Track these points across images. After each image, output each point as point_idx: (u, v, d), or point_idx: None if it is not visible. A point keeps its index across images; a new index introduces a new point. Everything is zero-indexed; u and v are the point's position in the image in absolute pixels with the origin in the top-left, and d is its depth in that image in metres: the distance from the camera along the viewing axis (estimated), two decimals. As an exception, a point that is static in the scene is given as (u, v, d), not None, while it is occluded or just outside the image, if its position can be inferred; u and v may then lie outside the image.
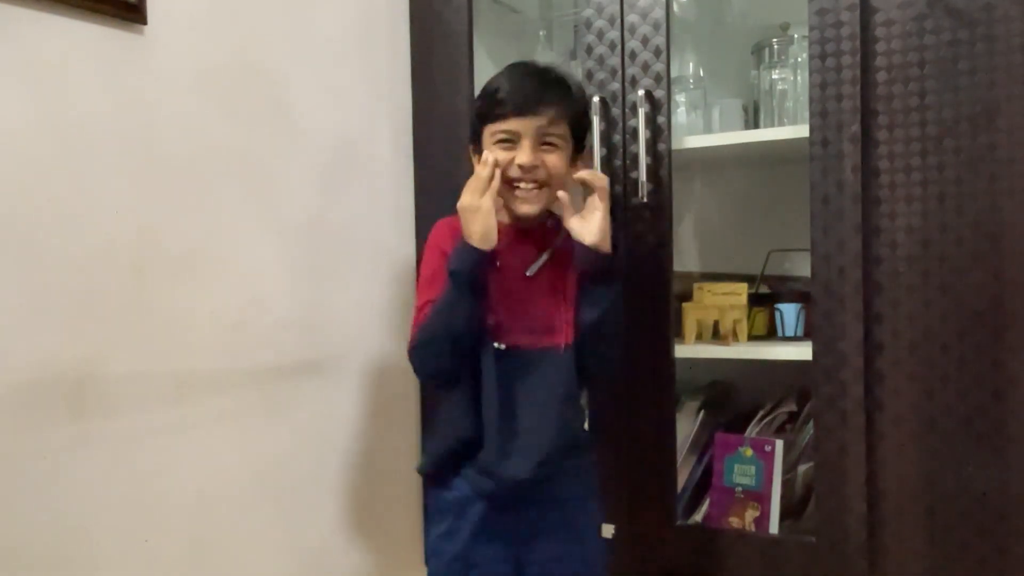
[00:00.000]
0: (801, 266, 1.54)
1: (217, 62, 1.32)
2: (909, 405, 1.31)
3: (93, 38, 1.15)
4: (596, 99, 1.50)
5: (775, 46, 1.61)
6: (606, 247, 1.27)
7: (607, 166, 1.51)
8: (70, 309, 1.11)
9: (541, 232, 1.35)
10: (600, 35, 1.52)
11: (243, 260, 1.37)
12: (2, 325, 1.04)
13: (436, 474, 1.34)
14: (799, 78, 1.55)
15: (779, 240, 1.65)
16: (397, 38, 1.70)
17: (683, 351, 1.52)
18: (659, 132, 1.47)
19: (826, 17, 1.34)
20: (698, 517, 1.56)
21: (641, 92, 1.46)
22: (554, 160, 1.28)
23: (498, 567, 1.30)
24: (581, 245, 1.27)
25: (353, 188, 1.58)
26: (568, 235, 1.31)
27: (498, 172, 1.25)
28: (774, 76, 1.60)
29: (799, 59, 1.55)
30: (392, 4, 1.69)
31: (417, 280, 1.35)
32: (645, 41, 1.48)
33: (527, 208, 1.29)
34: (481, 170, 1.24)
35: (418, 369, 1.32)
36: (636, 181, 1.48)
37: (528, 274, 1.32)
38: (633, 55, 1.49)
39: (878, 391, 1.33)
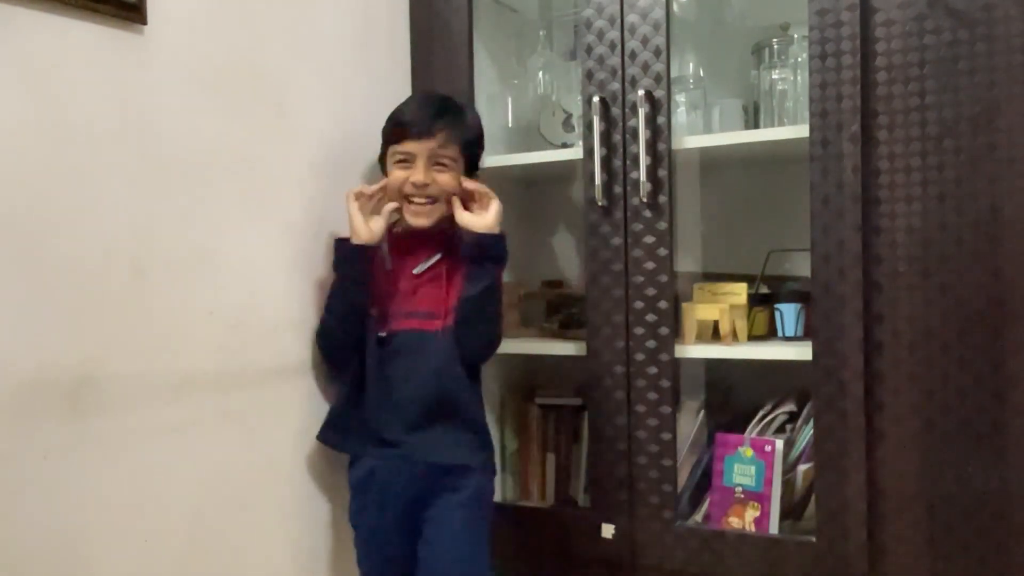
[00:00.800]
0: (801, 266, 1.53)
1: (217, 62, 1.32)
2: (909, 405, 1.31)
3: (93, 38, 1.14)
4: (596, 99, 1.50)
5: (775, 46, 1.61)
6: (496, 229, 1.45)
7: (607, 166, 1.51)
8: (69, 309, 1.11)
9: (437, 236, 1.50)
10: (600, 35, 1.52)
11: (242, 260, 1.37)
12: (2, 325, 1.04)
13: (329, 439, 1.49)
14: (799, 78, 1.55)
15: (779, 240, 1.65)
16: (397, 38, 1.70)
17: (683, 351, 1.52)
18: (659, 132, 1.47)
19: (826, 17, 1.34)
20: (698, 517, 1.56)
21: (641, 92, 1.46)
22: (445, 179, 1.45)
23: (401, 535, 1.44)
24: (470, 233, 1.44)
25: (351, 187, 1.58)
26: (459, 237, 1.50)
27: (385, 191, 1.45)
28: (774, 76, 1.60)
29: (799, 59, 1.55)
30: (392, 4, 1.69)
31: None
32: (645, 41, 1.48)
33: (420, 221, 1.46)
34: (365, 188, 1.45)
35: (321, 351, 1.51)
36: (636, 181, 1.48)
37: (415, 272, 1.49)
38: (633, 55, 1.49)
39: (878, 391, 1.33)
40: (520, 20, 1.95)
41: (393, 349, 1.45)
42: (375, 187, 1.46)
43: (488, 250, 1.44)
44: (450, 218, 1.47)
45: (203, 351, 1.30)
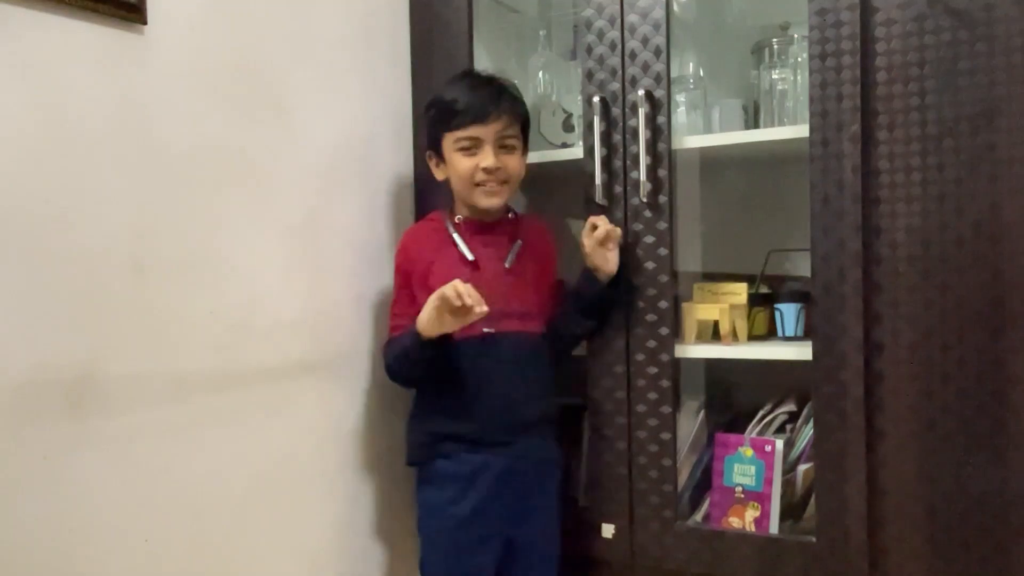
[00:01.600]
0: (801, 266, 1.54)
1: (217, 62, 1.32)
2: (909, 405, 1.31)
3: (93, 38, 1.15)
4: (596, 99, 1.50)
5: (775, 46, 1.61)
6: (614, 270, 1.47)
7: (607, 166, 1.51)
8: (70, 309, 1.11)
9: (505, 225, 1.51)
10: (600, 35, 1.52)
11: (242, 259, 1.37)
12: (2, 325, 1.04)
13: (425, 458, 1.48)
14: (799, 78, 1.55)
15: (779, 240, 1.65)
16: (397, 38, 1.70)
17: (683, 351, 1.52)
18: (659, 132, 1.47)
19: (826, 17, 1.34)
20: (698, 517, 1.56)
21: (641, 92, 1.46)
22: (513, 161, 1.44)
23: (503, 521, 1.45)
24: (594, 274, 1.48)
25: (352, 188, 1.58)
26: (531, 224, 1.54)
27: (465, 294, 1.33)
28: (774, 76, 1.59)
29: (799, 59, 1.55)
30: (392, 4, 1.69)
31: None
32: (645, 41, 1.48)
33: (492, 201, 1.44)
34: (452, 295, 1.32)
35: (394, 381, 1.52)
36: (636, 181, 1.48)
37: (507, 266, 1.48)
38: (633, 55, 1.49)
39: (878, 391, 1.33)
40: (520, 20, 1.95)
41: (496, 349, 1.44)
42: (474, 299, 1.32)
43: (614, 302, 1.49)
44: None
45: (203, 351, 1.30)
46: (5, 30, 1.05)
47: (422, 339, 1.39)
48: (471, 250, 1.47)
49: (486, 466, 1.44)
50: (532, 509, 1.48)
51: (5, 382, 1.04)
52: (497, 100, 1.41)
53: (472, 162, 1.42)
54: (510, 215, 1.54)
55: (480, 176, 1.42)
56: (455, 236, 1.48)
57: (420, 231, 1.53)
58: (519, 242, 1.50)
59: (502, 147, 1.42)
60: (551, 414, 1.52)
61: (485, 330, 1.43)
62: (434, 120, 1.46)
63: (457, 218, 1.50)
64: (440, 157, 1.47)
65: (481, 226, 1.49)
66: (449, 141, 1.44)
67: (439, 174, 1.50)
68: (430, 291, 1.38)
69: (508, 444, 1.44)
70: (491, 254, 1.48)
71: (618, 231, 1.47)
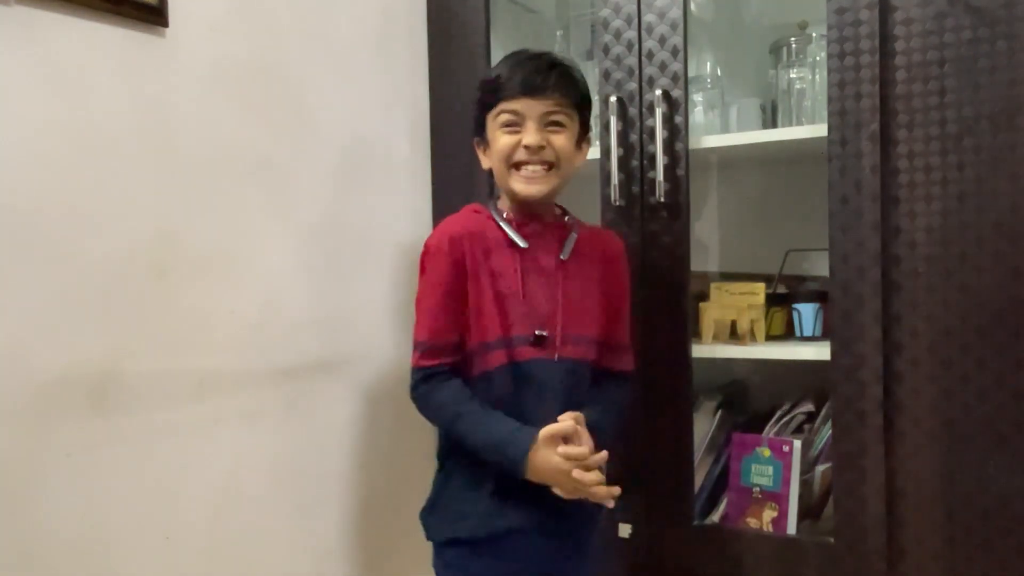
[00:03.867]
0: (819, 266, 1.53)
1: (237, 63, 1.34)
2: (928, 406, 1.30)
3: (114, 40, 1.16)
4: (613, 99, 1.50)
5: (793, 45, 1.61)
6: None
7: (624, 166, 1.51)
8: (92, 309, 1.13)
9: (558, 228, 1.33)
10: (617, 35, 1.52)
11: (262, 260, 1.38)
12: (26, 325, 1.05)
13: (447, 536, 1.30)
14: (817, 77, 1.55)
15: (797, 240, 1.65)
16: (414, 38, 1.70)
17: (700, 351, 1.51)
18: (676, 132, 1.47)
19: (845, 16, 1.33)
20: (715, 517, 1.55)
21: (658, 92, 1.46)
22: (561, 141, 1.25)
23: None
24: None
25: (370, 188, 1.59)
26: (599, 233, 1.38)
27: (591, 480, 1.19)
28: (792, 75, 1.59)
29: (817, 58, 1.54)
30: (410, 4, 1.69)
31: (421, 275, 1.30)
32: (662, 41, 1.48)
33: (532, 188, 1.25)
34: (583, 479, 1.17)
35: (420, 411, 1.31)
36: (653, 181, 1.48)
37: (562, 257, 1.29)
38: (650, 55, 1.49)
39: (897, 391, 1.32)
40: (537, 20, 1.96)
41: (549, 377, 1.27)
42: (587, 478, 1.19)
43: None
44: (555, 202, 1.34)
45: (225, 350, 1.31)
46: (29, 33, 1.06)
47: (522, 471, 1.20)
48: (529, 256, 1.28)
49: (521, 533, 1.26)
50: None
51: (30, 381, 1.06)
52: (547, 73, 1.25)
53: (514, 139, 1.25)
54: (566, 218, 1.36)
55: (520, 154, 1.25)
56: (503, 225, 1.29)
57: (466, 218, 1.32)
58: (574, 235, 1.32)
59: (549, 125, 1.25)
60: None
61: (538, 332, 1.26)
62: (480, 100, 1.31)
63: (505, 213, 1.31)
64: (486, 142, 1.31)
65: (530, 219, 1.31)
66: (492, 119, 1.27)
67: (485, 162, 1.33)
68: (486, 287, 1.25)
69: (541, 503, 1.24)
70: (543, 251, 1.29)
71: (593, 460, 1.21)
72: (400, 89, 1.66)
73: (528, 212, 1.30)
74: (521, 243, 1.27)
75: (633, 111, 1.51)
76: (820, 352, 1.40)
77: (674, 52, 1.47)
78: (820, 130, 1.38)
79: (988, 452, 1.27)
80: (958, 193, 1.28)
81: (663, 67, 1.48)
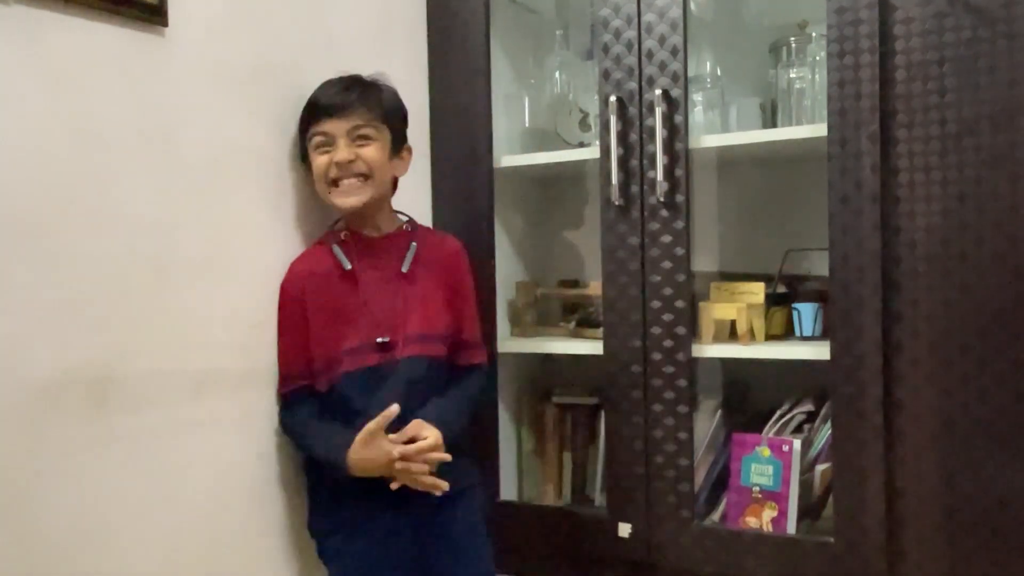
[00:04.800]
0: (819, 265, 1.53)
1: (237, 63, 1.34)
2: (928, 406, 1.30)
3: (115, 39, 1.16)
4: (613, 98, 1.50)
5: (793, 44, 1.61)
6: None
7: (624, 166, 1.51)
8: (92, 308, 1.13)
9: (400, 239, 1.44)
10: (617, 34, 1.52)
11: (262, 260, 1.38)
12: (26, 324, 1.05)
13: (321, 523, 1.42)
14: (817, 77, 1.55)
15: (797, 239, 1.65)
16: (414, 38, 1.70)
17: (700, 350, 1.51)
18: (676, 131, 1.47)
19: (844, 15, 1.33)
20: (715, 517, 1.55)
21: (658, 91, 1.46)
22: (370, 152, 1.36)
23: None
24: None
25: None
26: (439, 239, 1.49)
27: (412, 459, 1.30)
28: (792, 75, 1.59)
29: (817, 57, 1.54)
30: (409, 4, 1.69)
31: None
32: (662, 40, 1.48)
33: (350, 200, 1.36)
34: (393, 451, 1.28)
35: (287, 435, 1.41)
36: (653, 180, 1.48)
37: (404, 270, 1.40)
38: (650, 54, 1.49)
39: (897, 391, 1.32)
40: (537, 20, 1.96)
41: (394, 376, 1.37)
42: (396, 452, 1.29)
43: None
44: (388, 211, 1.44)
45: (224, 350, 1.31)
46: (29, 33, 1.06)
47: (345, 471, 1.30)
48: (352, 261, 1.38)
49: (394, 531, 1.36)
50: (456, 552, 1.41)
51: (30, 381, 1.06)
52: (349, 94, 1.36)
53: (327, 158, 1.36)
54: (405, 226, 1.46)
55: (334, 172, 1.35)
56: (336, 250, 1.39)
57: (305, 258, 1.41)
58: (414, 244, 1.42)
59: (357, 139, 1.36)
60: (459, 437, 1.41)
61: (379, 340, 1.36)
62: (299, 125, 1.41)
63: (343, 234, 1.41)
64: (308, 165, 1.41)
65: (369, 242, 1.41)
66: (309, 142, 1.38)
67: (317, 186, 1.41)
68: (327, 310, 1.36)
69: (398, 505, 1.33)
70: (380, 265, 1.40)
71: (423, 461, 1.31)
72: (400, 89, 1.65)
73: (362, 224, 1.42)
74: (346, 265, 1.38)
75: (633, 110, 1.51)
76: (820, 352, 1.40)
77: (674, 51, 1.47)
78: (820, 130, 1.38)
79: (988, 452, 1.27)
80: (958, 193, 1.28)
81: (663, 66, 1.48)
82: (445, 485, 1.31)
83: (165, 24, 1.21)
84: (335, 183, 1.36)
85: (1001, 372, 1.26)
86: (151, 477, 1.20)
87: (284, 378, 1.38)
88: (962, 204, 1.28)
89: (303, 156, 1.41)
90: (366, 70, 1.59)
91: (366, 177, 1.37)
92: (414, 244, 1.42)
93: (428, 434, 1.31)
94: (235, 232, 1.33)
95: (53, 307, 1.08)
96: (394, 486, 1.30)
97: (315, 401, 1.38)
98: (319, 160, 1.37)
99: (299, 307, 1.38)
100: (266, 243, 1.38)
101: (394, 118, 1.42)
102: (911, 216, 1.31)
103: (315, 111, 1.37)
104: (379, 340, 1.36)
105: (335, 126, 1.35)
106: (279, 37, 1.41)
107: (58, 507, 1.09)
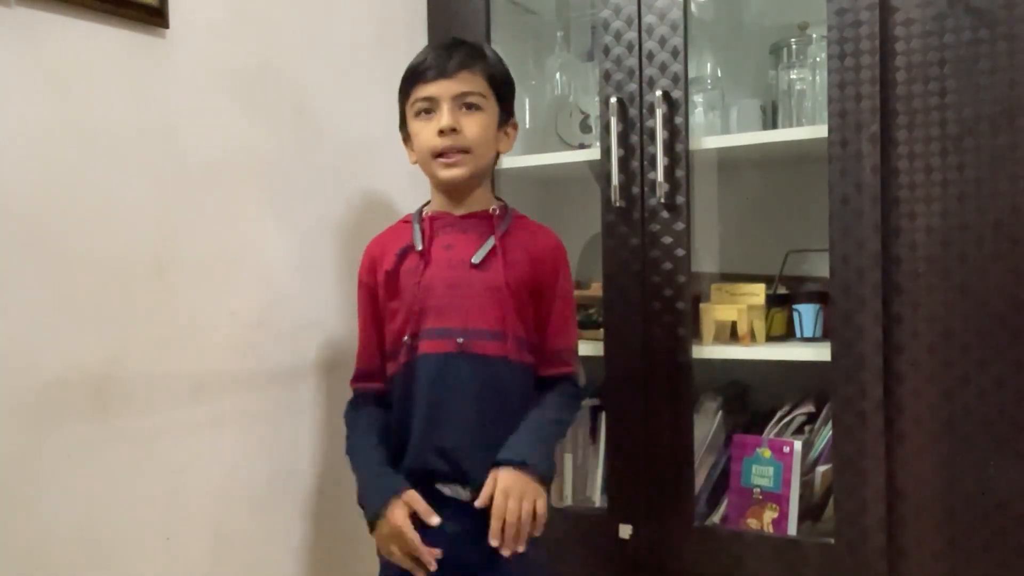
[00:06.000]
0: (819, 267, 1.53)
1: (237, 65, 1.34)
2: (929, 407, 1.30)
3: (115, 41, 1.16)
4: (614, 100, 1.50)
5: (793, 46, 1.61)
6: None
7: (624, 167, 1.51)
8: (93, 309, 1.13)
9: (485, 220, 1.30)
10: (617, 36, 1.52)
11: (263, 261, 1.38)
12: (28, 325, 1.06)
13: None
14: (817, 78, 1.55)
15: (797, 241, 1.65)
16: (415, 39, 1.70)
17: (701, 352, 1.51)
18: (677, 133, 1.47)
19: (845, 16, 1.33)
20: (716, 518, 1.55)
21: (659, 93, 1.46)
22: (476, 122, 1.25)
23: None
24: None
25: (371, 190, 1.59)
26: (531, 228, 1.32)
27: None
28: (792, 76, 1.59)
29: (817, 59, 1.54)
30: (410, 6, 1.69)
31: None
32: (663, 42, 1.48)
33: (453, 172, 1.25)
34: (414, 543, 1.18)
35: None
36: (654, 182, 1.48)
37: (474, 261, 1.25)
38: (651, 56, 1.49)
39: (897, 392, 1.32)
40: (537, 21, 1.96)
41: (454, 373, 1.23)
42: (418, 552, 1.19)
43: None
44: (485, 190, 1.31)
45: (225, 351, 1.31)
46: (29, 34, 1.06)
47: (368, 515, 1.23)
48: (427, 241, 1.27)
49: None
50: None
51: (31, 382, 1.06)
52: (456, 55, 1.24)
53: (430, 127, 1.24)
54: (493, 209, 1.31)
55: (436, 142, 1.23)
56: (415, 227, 1.29)
57: (385, 235, 1.34)
58: (493, 237, 1.27)
59: (464, 107, 1.24)
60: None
61: (440, 329, 1.23)
62: (399, 93, 1.31)
63: (426, 211, 1.32)
64: (409, 136, 1.31)
65: (451, 221, 1.29)
66: (409, 109, 1.28)
67: (411, 156, 1.33)
68: (396, 293, 1.26)
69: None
70: (457, 247, 1.26)
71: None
72: (400, 90, 1.66)
73: (455, 203, 1.30)
74: (418, 245, 1.27)
75: (633, 112, 1.51)
76: (820, 353, 1.40)
77: (674, 53, 1.47)
78: (820, 131, 1.38)
79: (988, 453, 1.27)
80: (958, 194, 1.28)
81: (663, 68, 1.48)
82: None
83: (166, 26, 1.21)
84: (441, 155, 1.25)
85: (1001, 372, 1.26)
86: (152, 478, 1.20)
87: (356, 373, 1.34)
88: (962, 205, 1.28)
89: (403, 126, 1.32)
90: (366, 71, 1.60)
91: (467, 152, 1.25)
92: (492, 238, 1.27)
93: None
94: (235, 232, 1.33)
95: (53, 307, 1.08)
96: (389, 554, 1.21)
97: (378, 412, 1.30)
98: (421, 130, 1.25)
99: (368, 292, 1.31)
100: (266, 244, 1.39)
101: (502, 87, 1.30)
102: (911, 217, 1.31)
103: (416, 74, 1.26)
104: (436, 329, 1.24)
105: (440, 88, 1.23)
106: (279, 39, 1.41)
107: (58, 508, 1.09)
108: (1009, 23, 1.24)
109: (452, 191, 1.29)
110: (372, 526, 1.23)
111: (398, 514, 1.19)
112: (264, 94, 1.38)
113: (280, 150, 1.41)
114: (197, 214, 1.27)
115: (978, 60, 1.26)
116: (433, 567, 1.19)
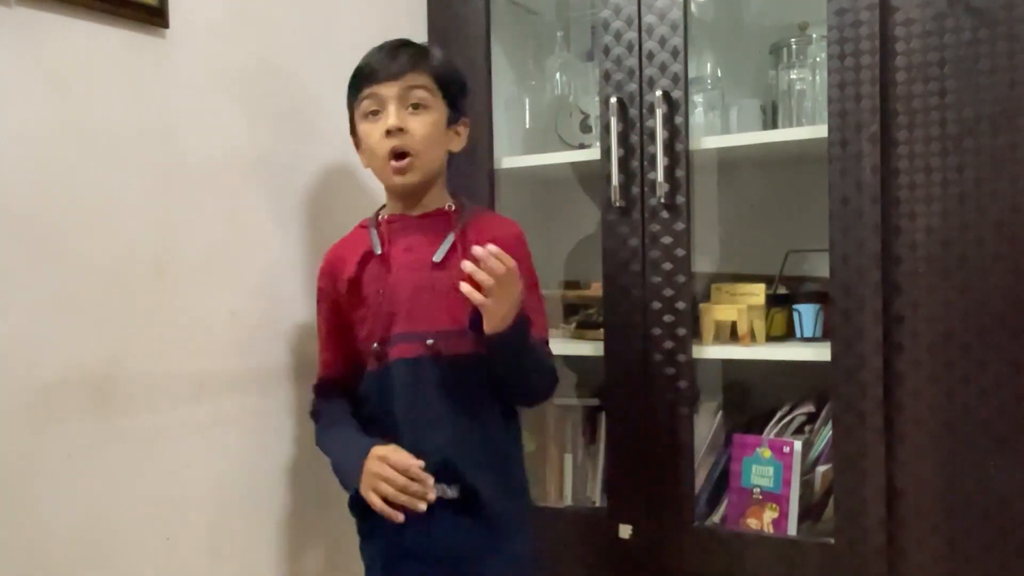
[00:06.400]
0: (819, 267, 1.53)
1: (237, 65, 1.34)
2: (929, 407, 1.30)
3: (115, 41, 1.16)
4: (614, 100, 1.50)
5: (793, 46, 1.61)
6: (502, 326, 1.16)
7: (624, 167, 1.51)
8: (93, 309, 1.13)
9: (442, 218, 1.28)
10: (618, 36, 1.52)
11: (263, 261, 1.38)
12: (28, 325, 1.06)
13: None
14: (817, 78, 1.55)
15: (797, 241, 1.65)
16: (414, 39, 1.70)
17: (701, 351, 1.51)
18: (677, 133, 1.47)
19: (845, 16, 1.33)
20: (716, 518, 1.55)
21: (659, 93, 1.46)
22: (423, 122, 1.23)
23: None
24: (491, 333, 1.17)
25: (370, 188, 1.59)
26: (489, 220, 1.32)
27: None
28: (792, 76, 1.59)
29: (817, 59, 1.54)
30: (410, 6, 1.70)
31: None
32: (663, 42, 1.48)
33: (403, 179, 1.23)
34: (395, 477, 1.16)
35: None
36: (654, 182, 1.48)
37: (435, 260, 1.24)
38: (651, 56, 1.49)
39: (897, 392, 1.32)
40: (537, 21, 1.96)
41: (425, 376, 1.22)
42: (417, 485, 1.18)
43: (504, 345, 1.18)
44: (436, 187, 1.29)
45: (225, 351, 1.31)
46: (29, 34, 1.06)
47: (349, 488, 1.23)
48: (386, 245, 1.26)
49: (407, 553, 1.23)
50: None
51: (31, 382, 1.06)
52: (400, 56, 1.23)
53: (378, 128, 1.22)
54: (448, 206, 1.29)
55: (385, 144, 1.22)
56: (372, 232, 1.28)
57: (342, 243, 1.33)
58: (452, 234, 1.25)
59: (410, 106, 1.23)
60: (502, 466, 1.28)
61: (406, 334, 1.22)
62: (347, 99, 1.30)
63: (381, 215, 1.31)
64: (359, 139, 1.29)
65: (407, 222, 1.28)
66: (358, 114, 1.27)
67: (363, 160, 1.31)
68: (358, 302, 1.26)
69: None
70: (415, 249, 1.25)
71: (486, 279, 1.11)
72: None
73: (409, 205, 1.29)
74: (376, 249, 1.26)
75: (633, 112, 1.51)
76: (820, 353, 1.40)
77: (674, 53, 1.47)
78: (820, 131, 1.38)
79: (988, 453, 1.27)
80: (958, 194, 1.28)
81: (663, 68, 1.48)
82: (400, 517, 1.17)
83: (166, 26, 1.21)
84: (396, 157, 1.23)
85: (1001, 372, 1.26)
86: (152, 478, 1.20)
87: (319, 383, 1.35)
88: (962, 205, 1.28)
89: (353, 129, 1.31)
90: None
91: (413, 155, 1.23)
92: (452, 235, 1.26)
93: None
94: (235, 232, 1.33)
95: (53, 307, 1.08)
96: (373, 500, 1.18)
97: (346, 403, 1.30)
98: (369, 131, 1.24)
99: (330, 303, 1.30)
100: (266, 243, 1.39)
101: (450, 86, 1.28)
102: (911, 217, 1.31)
103: (362, 76, 1.25)
104: (405, 334, 1.23)
105: (386, 89, 1.23)
106: (279, 39, 1.42)
107: (58, 508, 1.09)
108: (1009, 23, 1.24)
109: (406, 195, 1.29)
110: (354, 489, 1.21)
111: (381, 448, 1.19)
112: (264, 94, 1.38)
113: (281, 150, 1.41)
114: (197, 214, 1.27)
115: (978, 60, 1.26)
116: (430, 482, 1.17)
